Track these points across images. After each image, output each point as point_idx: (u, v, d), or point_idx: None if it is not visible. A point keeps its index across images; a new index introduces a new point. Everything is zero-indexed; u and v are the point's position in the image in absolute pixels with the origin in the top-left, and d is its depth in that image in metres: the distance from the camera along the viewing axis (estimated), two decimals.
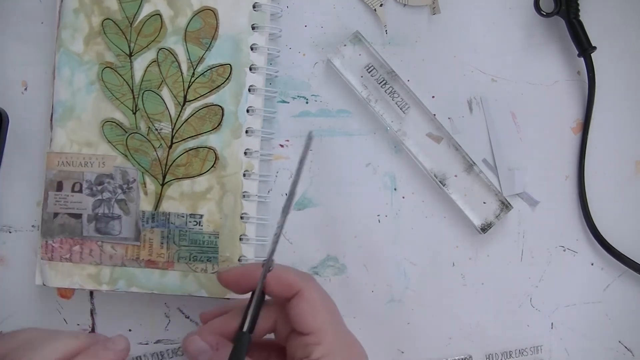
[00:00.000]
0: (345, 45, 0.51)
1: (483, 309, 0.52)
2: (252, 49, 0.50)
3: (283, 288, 0.41)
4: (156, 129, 0.50)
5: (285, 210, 0.41)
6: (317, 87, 0.52)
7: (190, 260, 0.49)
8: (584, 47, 0.51)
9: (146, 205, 0.49)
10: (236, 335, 0.40)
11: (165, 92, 0.50)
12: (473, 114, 0.53)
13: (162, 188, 0.50)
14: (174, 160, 0.50)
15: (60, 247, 0.49)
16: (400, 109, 0.51)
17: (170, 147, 0.50)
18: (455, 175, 0.51)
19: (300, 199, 0.52)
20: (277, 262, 0.50)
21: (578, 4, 0.51)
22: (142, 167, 0.50)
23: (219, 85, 0.50)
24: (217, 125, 0.50)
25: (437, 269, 0.52)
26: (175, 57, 0.50)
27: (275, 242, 0.41)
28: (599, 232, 0.52)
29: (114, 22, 0.50)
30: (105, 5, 0.50)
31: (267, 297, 0.42)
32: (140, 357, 0.44)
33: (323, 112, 0.53)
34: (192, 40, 0.50)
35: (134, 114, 0.50)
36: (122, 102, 0.50)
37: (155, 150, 0.50)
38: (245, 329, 0.40)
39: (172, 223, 0.49)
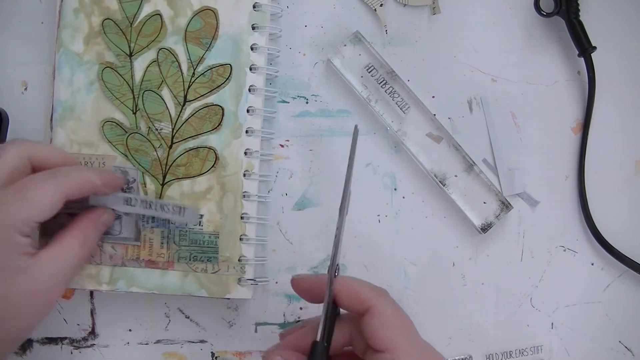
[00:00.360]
0: (345, 45, 0.51)
1: (483, 309, 0.52)
2: (252, 49, 0.50)
3: (355, 302, 0.40)
4: (156, 129, 0.50)
5: (342, 211, 0.41)
6: (317, 87, 0.53)
7: (190, 260, 0.49)
8: (584, 47, 0.51)
9: None
10: (311, 346, 0.39)
11: (165, 92, 0.50)
12: (473, 114, 0.53)
13: (162, 188, 0.50)
14: (174, 160, 0.50)
15: None
16: (400, 109, 0.51)
17: (170, 147, 0.50)
18: (455, 175, 0.51)
19: (300, 199, 0.52)
20: (284, 262, 0.50)
21: (578, 4, 0.51)
22: (142, 167, 0.50)
23: (219, 85, 0.50)
24: (217, 125, 0.50)
25: (437, 269, 0.52)
26: (175, 57, 0.50)
27: (337, 246, 0.41)
28: (599, 232, 0.52)
29: (114, 22, 0.50)
30: (105, 5, 0.50)
31: (341, 311, 0.41)
32: (130, 198, 0.46)
33: (323, 112, 0.53)
34: (192, 40, 0.50)
35: (134, 114, 0.50)
36: (122, 102, 0.50)
37: (156, 150, 0.50)
38: (318, 338, 0.39)
39: (172, 223, 0.49)
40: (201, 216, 0.49)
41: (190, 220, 0.49)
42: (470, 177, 0.52)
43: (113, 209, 0.47)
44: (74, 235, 0.45)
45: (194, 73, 0.50)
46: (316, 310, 0.52)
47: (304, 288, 0.43)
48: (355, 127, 0.45)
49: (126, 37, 0.50)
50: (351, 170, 0.42)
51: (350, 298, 0.40)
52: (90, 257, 0.47)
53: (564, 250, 0.53)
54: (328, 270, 0.41)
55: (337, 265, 0.41)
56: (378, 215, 0.52)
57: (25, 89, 0.52)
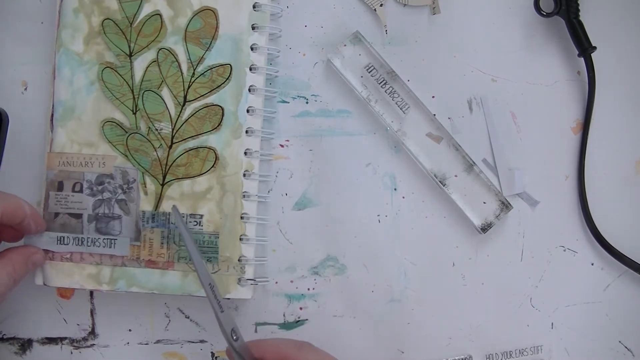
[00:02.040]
0: (345, 45, 0.51)
1: (483, 309, 0.52)
2: (252, 49, 0.50)
3: None
4: (156, 129, 0.50)
5: (207, 284, 0.45)
6: (317, 87, 0.53)
7: (190, 260, 0.49)
8: (584, 47, 0.51)
9: (146, 205, 0.49)
10: None
11: (165, 92, 0.50)
12: (473, 114, 0.53)
13: (162, 188, 0.50)
14: (174, 160, 0.50)
15: None
16: (400, 109, 0.51)
17: (170, 147, 0.50)
18: (455, 175, 0.51)
19: (300, 198, 0.52)
20: (284, 262, 0.50)
21: (578, 4, 0.51)
22: (142, 167, 0.50)
23: (219, 85, 0.50)
24: (217, 125, 0.50)
25: (437, 269, 0.52)
26: (175, 57, 0.50)
27: (217, 310, 0.44)
28: (599, 232, 0.52)
29: (114, 22, 0.50)
30: (105, 5, 0.50)
31: None
32: (63, 237, 0.49)
33: (323, 112, 0.53)
34: (192, 40, 0.50)
35: (134, 114, 0.50)
36: (122, 102, 0.50)
37: (156, 150, 0.50)
38: None
39: (172, 223, 0.49)
40: (201, 216, 0.49)
41: (121, 251, 0.49)
42: (470, 177, 0.52)
43: (46, 251, 0.49)
44: (3, 264, 0.46)
45: (194, 73, 0.50)
46: (316, 310, 0.52)
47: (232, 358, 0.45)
48: (174, 206, 0.48)
49: (126, 37, 0.50)
50: (192, 246, 0.45)
51: (275, 357, 0.43)
52: (14, 287, 0.47)
53: (564, 250, 0.53)
54: (227, 339, 0.44)
55: (233, 329, 0.44)
56: (378, 215, 0.52)
57: (25, 89, 0.52)
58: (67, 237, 0.49)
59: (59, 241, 0.49)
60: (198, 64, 0.50)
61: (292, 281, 0.52)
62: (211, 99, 0.50)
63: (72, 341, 0.52)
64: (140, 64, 0.50)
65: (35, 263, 0.48)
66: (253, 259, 0.50)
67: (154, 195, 0.49)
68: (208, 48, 0.50)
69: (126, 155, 0.50)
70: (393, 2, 0.53)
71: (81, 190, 0.50)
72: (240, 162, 0.50)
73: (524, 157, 0.53)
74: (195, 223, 0.49)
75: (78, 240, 0.49)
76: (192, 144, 0.50)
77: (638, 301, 0.53)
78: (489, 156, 0.53)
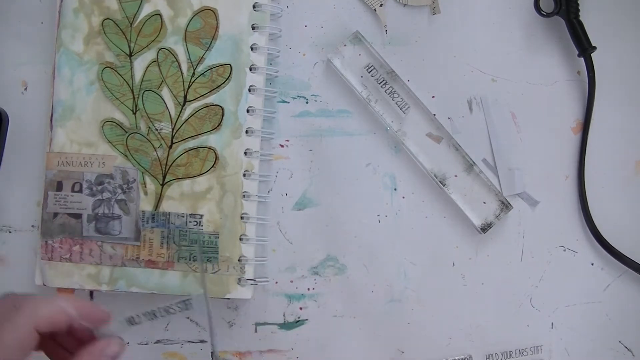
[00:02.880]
0: (345, 45, 0.51)
1: (483, 309, 0.52)
2: (252, 49, 0.50)
3: None
4: (156, 129, 0.50)
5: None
6: (317, 87, 0.52)
7: (190, 260, 0.49)
8: (584, 47, 0.51)
9: (146, 205, 0.49)
10: None
11: (165, 92, 0.50)
12: (473, 114, 0.53)
13: (162, 188, 0.50)
14: (174, 160, 0.50)
15: (60, 247, 0.49)
16: (400, 109, 0.51)
17: (170, 147, 0.50)
18: (455, 175, 0.51)
19: (300, 198, 0.52)
20: (284, 262, 0.50)
21: (578, 4, 0.51)
22: (142, 167, 0.50)
23: (219, 85, 0.50)
24: (217, 125, 0.50)
25: (437, 269, 0.52)
26: (175, 57, 0.50)
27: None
28: (599, 232, 0.52)
29: (114, 22, 0.50)
30: (105, 5, 0.50)
31: None
32: (133, 317, 0.43)
33: (323, 112, 0.53)
34: (192, 40, 0.50)
35: (134, 114, 0.50)
36: (122, 102, 0.50)
37: (155, 150, 0.50)
38: None
39: (172, 223, 0.49)
40: (201, 216, 0.49)
41: (199, 307, 0.43)
42: (470, 177, 0.52)
43: (120, 337, 0.41)
44: None
45: (194, 73, 0.50)
46: (316, 310, 0.52)
47: None
48: (205, 293, 0.44)
49: (126, 37, 0.50)
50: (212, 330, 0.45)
51: None
52: None
53: (564, 250, 0.53)
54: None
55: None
56: (378, 215, 0.52)
57: (25, 89, 0.52)
58: (138, 315, 0.42)
59: (129, 322, 0.42)
60: (198, 64, 0.50)
61: (292, 281, 0.52)
62: (211, 99, 0.50)
63: None
64: (140, 64, 0.50)
65: (111, 356, 0.40)
66: (253, 259, 0.50)
67: (154, 195, 0.49)
68: (208, 48, 0.50)
69: (126, 155, 0.50)
70: (393, 2, 0.53)
71: (80, 190, 0.50)
72: (240, 162, 0.50)
73: (524, 157, 0.53)
74: (195, 223, 0.49)
75: (150, 315, 0.43)
76: (192, 144, 0.50)
77: (638, 301, 0.53)
78: (489, 156, 0.53)
